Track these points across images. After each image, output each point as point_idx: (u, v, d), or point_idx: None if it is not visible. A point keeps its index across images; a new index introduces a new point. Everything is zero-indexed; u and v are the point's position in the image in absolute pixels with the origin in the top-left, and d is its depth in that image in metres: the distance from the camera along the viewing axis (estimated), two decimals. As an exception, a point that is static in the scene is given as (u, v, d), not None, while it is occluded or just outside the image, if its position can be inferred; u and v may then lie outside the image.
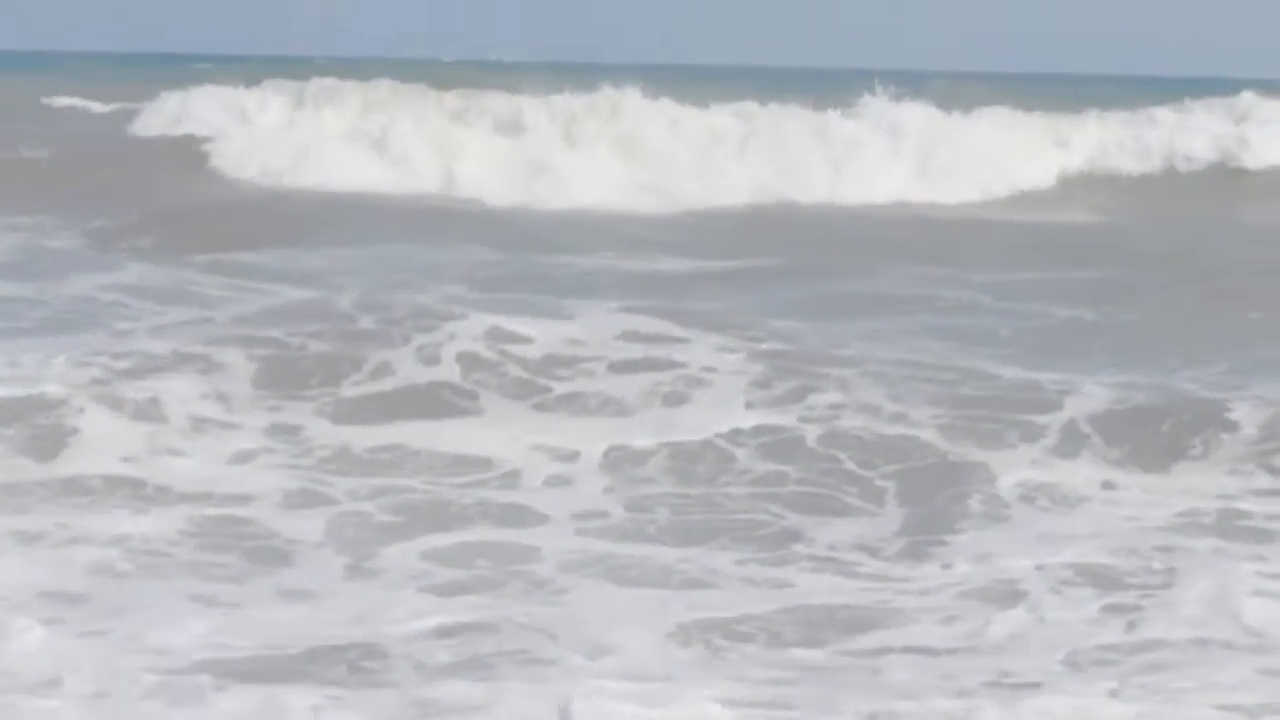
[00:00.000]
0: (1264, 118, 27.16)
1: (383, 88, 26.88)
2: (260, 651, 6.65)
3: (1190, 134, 26.80)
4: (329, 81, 27.12)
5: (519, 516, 8.62)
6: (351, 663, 6.57)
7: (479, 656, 6.66)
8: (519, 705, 6.12)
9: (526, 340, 10.77)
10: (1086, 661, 6.77)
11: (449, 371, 10.45)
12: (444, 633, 6.89)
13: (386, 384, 10.31)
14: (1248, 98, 27.55)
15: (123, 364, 10.14)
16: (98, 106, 30.27)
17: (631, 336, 11.06)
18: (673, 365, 10.58)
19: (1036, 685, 6.46)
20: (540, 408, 10.18)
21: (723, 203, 22.63)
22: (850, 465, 9.30)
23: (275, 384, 10.18)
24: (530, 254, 16.70)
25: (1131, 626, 7.13)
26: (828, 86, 27.70)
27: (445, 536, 8.28)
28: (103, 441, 9.26)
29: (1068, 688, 6.40)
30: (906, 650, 6.91)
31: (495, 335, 10.77)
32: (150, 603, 7.18)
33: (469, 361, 10.51)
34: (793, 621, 7.21)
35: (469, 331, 10.79)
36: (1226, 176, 25.94)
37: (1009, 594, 7.54)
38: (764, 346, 10.96)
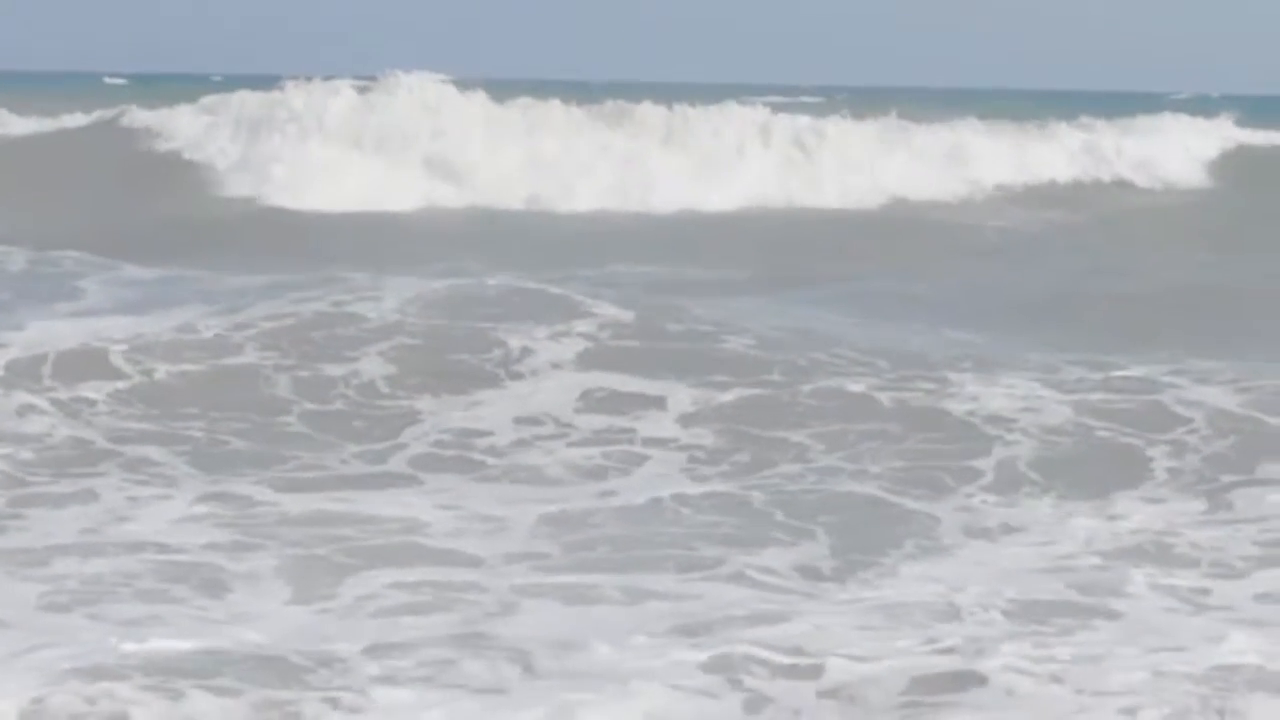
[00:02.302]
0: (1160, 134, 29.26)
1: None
2: (209, 657, 6.75)
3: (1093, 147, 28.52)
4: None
5: (465, 558, 8.70)
6: (310, 667, 6.72)
7: (433, 663, 6.88)
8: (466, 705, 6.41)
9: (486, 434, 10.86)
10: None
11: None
12: (401, 646, 7.07)
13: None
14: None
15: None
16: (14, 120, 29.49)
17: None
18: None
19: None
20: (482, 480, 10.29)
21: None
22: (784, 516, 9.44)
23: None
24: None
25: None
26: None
27: (395, 573, 8.33)
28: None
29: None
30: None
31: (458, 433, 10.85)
32: (91, 623, 7.31)
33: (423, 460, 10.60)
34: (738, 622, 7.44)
35: (423, 437, 10.87)
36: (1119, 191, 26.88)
37: (943, 608, 7.73)
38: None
